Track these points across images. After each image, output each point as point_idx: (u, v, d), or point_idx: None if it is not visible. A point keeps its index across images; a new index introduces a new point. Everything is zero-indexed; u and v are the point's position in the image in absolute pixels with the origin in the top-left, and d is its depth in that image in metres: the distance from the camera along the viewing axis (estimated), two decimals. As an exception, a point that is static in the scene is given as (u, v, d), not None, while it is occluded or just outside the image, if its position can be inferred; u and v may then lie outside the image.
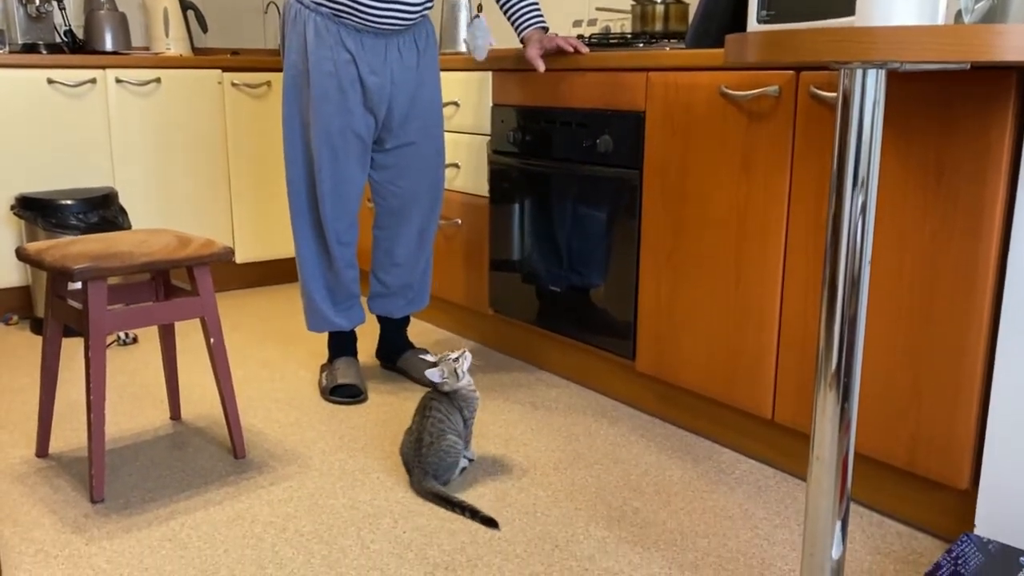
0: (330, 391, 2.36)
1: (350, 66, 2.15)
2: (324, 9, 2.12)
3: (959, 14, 1.46)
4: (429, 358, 1.90)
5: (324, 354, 2.76)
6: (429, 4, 2.20)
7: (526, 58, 2.25)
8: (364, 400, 2.36)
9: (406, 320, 2.58)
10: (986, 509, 1.53)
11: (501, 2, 2.30)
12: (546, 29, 2.29)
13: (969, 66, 1.37)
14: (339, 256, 2.31)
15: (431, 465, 1.84)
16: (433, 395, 1.88)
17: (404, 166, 2.33)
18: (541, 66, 2.24)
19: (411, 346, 2.59)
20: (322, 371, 2.47)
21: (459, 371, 1.86)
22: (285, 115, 2.23)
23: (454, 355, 1.87)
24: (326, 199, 2.24)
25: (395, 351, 2.58)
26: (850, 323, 1.28)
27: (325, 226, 2.27)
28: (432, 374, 1.84)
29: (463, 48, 3.09)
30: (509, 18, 2.30)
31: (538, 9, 2.29)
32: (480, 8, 2.83)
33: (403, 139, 2.31)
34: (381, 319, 2.58)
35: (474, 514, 1.74)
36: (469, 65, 2.62)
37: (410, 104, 2.28)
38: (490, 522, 1.72)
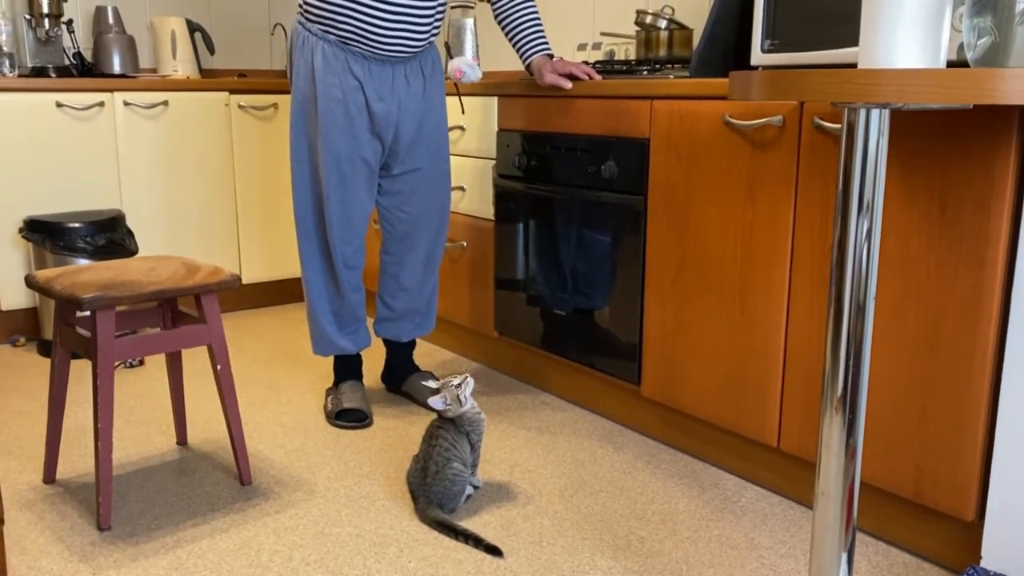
0: (335, 415, 2.36)
1: (357, 93, 2.17)
2: (332, 36, 2.14)
3: (962, 47, 1.47)
4: (431, 384, 1.90)
5: (330, 377, 2.77)
6: (435, 31, 2.22)
7: (547, 84, 2.26)
8: (369, 425, 2.36)
9: (412, 344, 2.59)
10: (992, 541, 1.53)
11: (506, 28, 2.32)
12: (551, 56, 2.30)
13: (972, 106, 1.38)
14: (346, 280, 2.32)
15: (436, 494, 1.84)
16: (440, 422, 1.89)
17: (411, 192, 2.35)
18: (568, 84, 2.25)
19: (417, 369, 2.59)
20: (327, 395, 2.48)
21: (462, 397, 1.86)
22: (292, 140, 2.24)
23: (456, 381, 1.87)
24: (334, 224, 2.25)
25: (401, 375, 2.58)
26: (855, 350, 1.28)
27: (332, 250, 2.28)
28: (435, 402, 1.85)
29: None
30: (514, 44, 2.32)
31: (544, 36, 2.30)
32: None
33: (410, 165, 2.32)
34: (387, 343, 2.58)
35: (478, 542, 1.74)
36: (475, 90, 2.63)
37: (417, 130, 2.30)
38: (494, 551, 1.73)
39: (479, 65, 2.42)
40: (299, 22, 2.20)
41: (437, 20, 2.21)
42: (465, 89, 2.67)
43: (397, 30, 2.13)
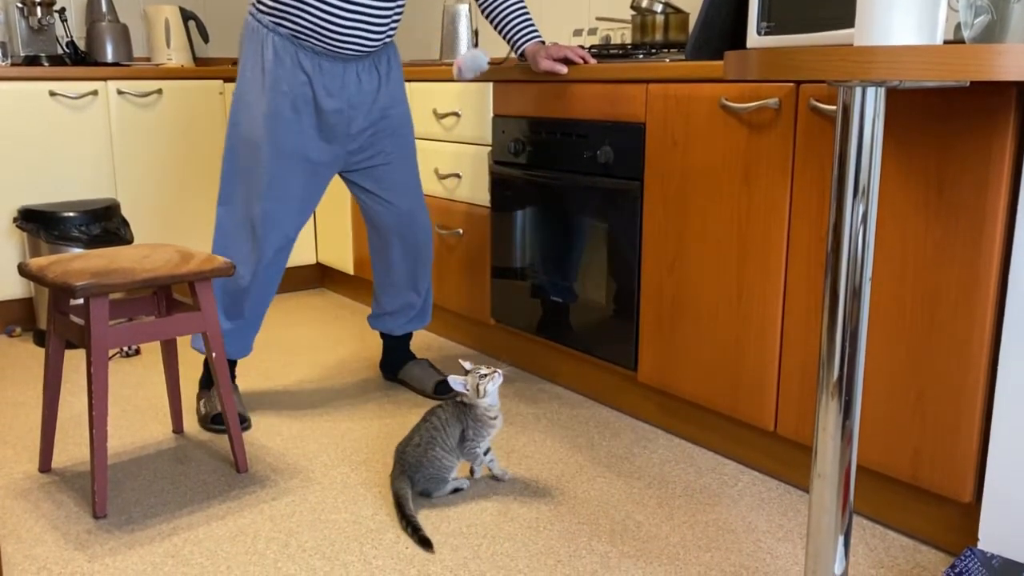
0: (211, 420, 2.25)
1: (305, 88, 2.12)
2: (283, 30, 2.08)
3: (958, 27, 1.46)
4: (466, 365, 1.88)
5: (327, 365, 2.77)
6: (392, 31, 2.17)
7: (542, 70, 2.23)
8: (249, 427, 2.27)
9: (409, 333, 2.58)
10: (990, 523, 1.53)
11: (494, 20, 2.28)
12: (543, 42, 2.28)
13: (968, 83, 1.37)
14: (263, 279, 2.22)
15: (409, 465, 1.84)
16: (442, 405, 1.89)
17: (384, 187, 2.31)
18: (564, 69, 2.22)
19: (413, 357, 2.59)
20: (199, 399, 2.34)
21: (482, 388, 1.83)
22: (230, 131, 2.16)
23: (484, 371, 1.85)
24: (264, 220, 2.16)
25: (397, 362, 2.58)
26: (851, 334, 1.28)
27: (259, 248, 2.19)
28: (455, 382, 1.84)
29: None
30: (504, 35, 2.28)
31: (533, 23, 2.28)
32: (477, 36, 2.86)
33: (377, 160, 2.29)
34: (383, 333, 2.58)
35: (415, 531, 1.72)
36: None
37: (376, 125, 2.25)
38: (425, 543, 1.70)
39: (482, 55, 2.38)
40: (251, 12, 2.13)
41: (395, 20, 2.15)
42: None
43: (352, 29, 2.07)
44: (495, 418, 1.87)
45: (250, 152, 2.15)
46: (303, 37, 2.07)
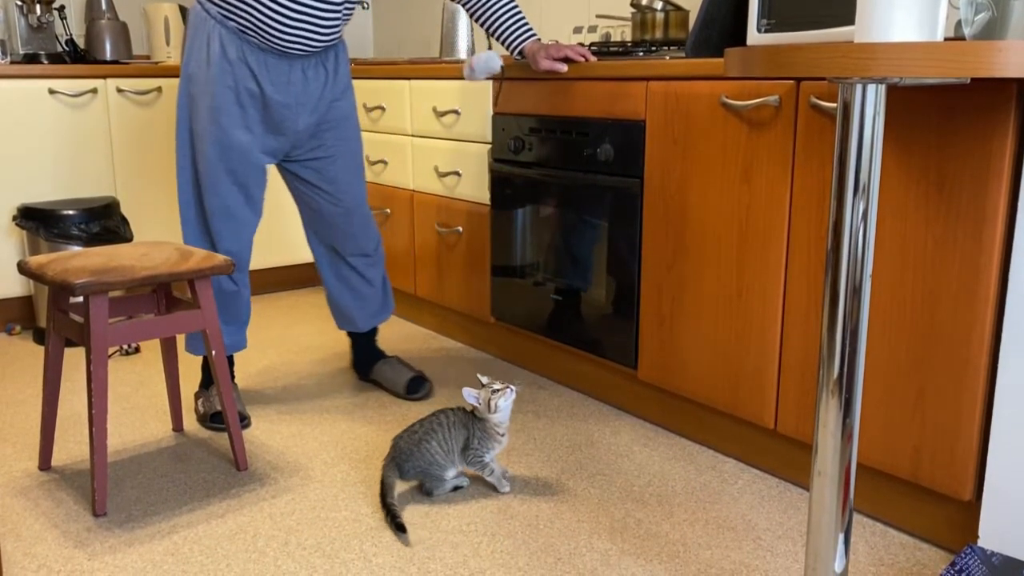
0: (210, 418, 2.27)
1: (250, 81, 2.10)
2: (231, 24, 2.06)
3: (959, 24, 1.45)
4: (483, 380, 1.88)
5: (326, 363, 2.76)
6: (338, 32, 2.15)
7: (543, 70, 2.22)
8: (248, 425, 2.28)
9: (374, 331, 2.57)
10: (990, 520, 1.53)
11: (485, 23, 2.27)
12: (539, 41, 2.28)
13: (969, 80, 1.37)
14: (235, 278, 2.24)
15: (400, 452, 1.85)
16: (454, 408, 1.89)
17: (325, 180, 2.30)
18: (564, 67, 2.22)
19: (382, 355, 2.56)
20: (197, 398, 2.34)
21: (494, 403, 1.83)
22: (178, 125, 2.16)
23: (498, 386, 1.85)
24: (216, 215, 2.17)
25: (368, 361, 2.56)
26: (852, 332, 1.28)
27: (216, 244, 2.20)
28: (468, 394, 1.84)
29: (464, 56, 3.09)
30: (498, 37, 2.27)
31: (527, 21, 2.27)
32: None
33: (319, 152, 2.27)
34: (349, 332, 2.56)
35: (393, 517, 1.74)
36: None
37: (321, 118, 2.24)
38: (401, 529, 1.73)
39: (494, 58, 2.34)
40: (198, 1, 2.11)
41: (343, 20, 2.14)
42: (458, 72, 2.65)
43: (298, 29, 2.05)
44: (503, 435, 1.87)
45: (199, 146, 2.14)
46: (249, 33, 2.05)
